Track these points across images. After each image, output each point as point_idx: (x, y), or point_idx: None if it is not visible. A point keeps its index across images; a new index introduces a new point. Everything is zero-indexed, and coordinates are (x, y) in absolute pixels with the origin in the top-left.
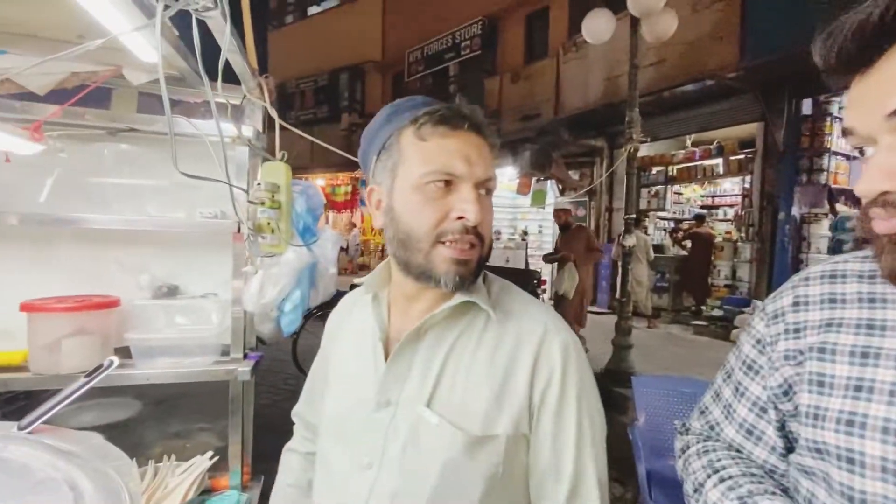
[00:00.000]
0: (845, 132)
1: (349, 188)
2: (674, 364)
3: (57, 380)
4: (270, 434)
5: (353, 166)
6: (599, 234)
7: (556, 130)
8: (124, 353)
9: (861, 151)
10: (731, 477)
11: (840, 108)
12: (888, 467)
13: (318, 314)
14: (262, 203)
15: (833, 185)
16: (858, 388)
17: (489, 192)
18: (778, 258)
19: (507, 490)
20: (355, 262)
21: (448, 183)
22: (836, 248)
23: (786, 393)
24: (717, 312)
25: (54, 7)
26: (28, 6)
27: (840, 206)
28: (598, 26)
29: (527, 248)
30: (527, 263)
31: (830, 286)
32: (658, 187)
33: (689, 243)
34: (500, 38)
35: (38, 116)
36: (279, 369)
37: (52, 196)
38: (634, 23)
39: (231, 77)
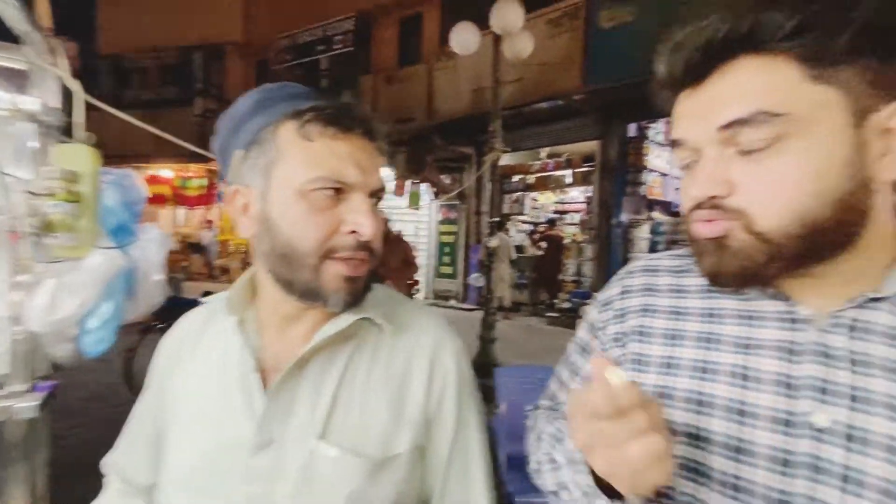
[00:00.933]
0: (674, 143)
1: (205, 182)
2: (533, 352)
3: None
4: (94, 478)
5: (209, 157)
6: (469, 236)
7: (430, 135)
8: None
9: (683, 164)
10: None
11: (657, 133)
12: (689, 431)
13: (160, 326)
14: (53, 195)
15: (650, 197)
16: (668, 365)
17: (380, 201)
18: (612, 257)
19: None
20: (213, 265)
21: (338, 191)
22: (652, 248)
23: None
24: (566, 305)
25: None
26: None
27: (655, 214)
28: (464, 39)
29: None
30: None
31: (648, 278)
32: (518, 194)
33: (544, 244)
34: (375, 38)
35: None
36: (107, 395)
37: None
38: (497, 40)
39: (6, 35)
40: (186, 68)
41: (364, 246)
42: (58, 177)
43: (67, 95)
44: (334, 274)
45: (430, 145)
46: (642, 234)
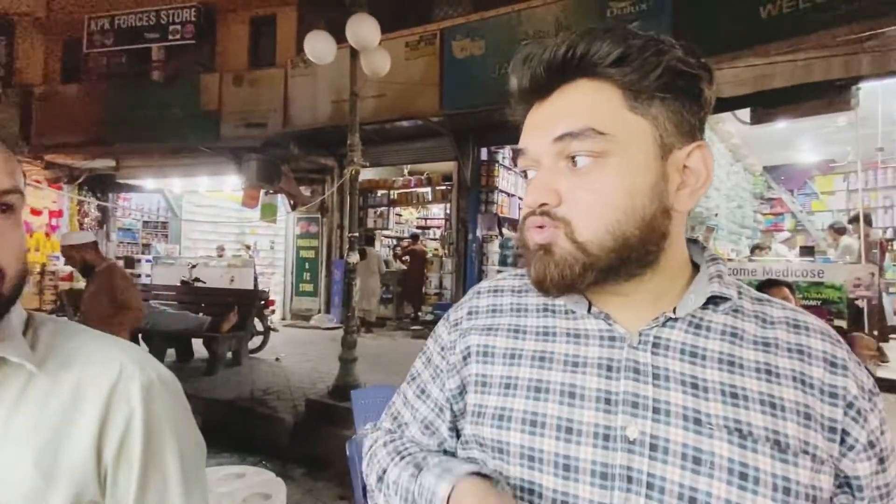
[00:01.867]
0: (518, 153)
1: None
2: (398, 368)
3: None
4: None
5: None
6: (332, 251)
7: (285, 143)
8: None
9: (525, 174)
10: (411, 454)
11: (504, 158)
12: (524, 453)
13: None
14: None
15: (500, 214)
16: (507, 386)
17: (8, 208)
18: (469, 269)
19: None
20: None
21: None
22: (503, 261)
23: (461, 393)
24: (429, 317)
25: None
26: None
27: (505, 230)
28: (320, 48)
29: (255, 266)
30: (256, 283)
31: (493, 298)
32: (382, 208)
33: (408, 258)
34: (221, 33)
35: None
36: None
37: None
38: (355, 54)
39: None
40: None
41: None
42: None
43: None
44: None
45: (287, 154)
46: (494, 248)
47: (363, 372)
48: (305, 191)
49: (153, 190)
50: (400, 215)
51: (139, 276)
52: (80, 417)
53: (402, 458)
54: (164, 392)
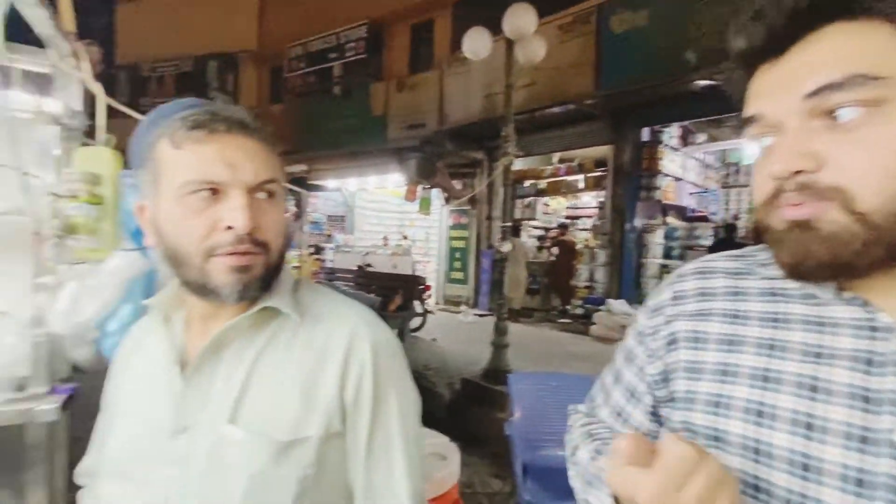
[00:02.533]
0: (749, 121)
1: None
2: (544, 359)
3: None
4: None
5: None
6: (480, 241)
7: (441, 141)
8: None
9: (757, 142)
10: (599, 438)
11: (670, 137)
12: (747, 444)
13: None
14: (76, 197)
15: (665, 201)
16: (724, 373)
17: (272, 194)
18: (625, 262)
19: (325, 490)
20: None
21: (215, 191)
22: (667, 253)
23: (664, 380)
24: (579, 311)
25: None
26: None
27: (670, 219)
28: (477, 44)
29: (412, 254)
30: (413, 270)
31: (702, 281)
32: (530, 199)
33: (556, 249)
34: (387, 45)
35: None
36: None
37: None
38: (510, 45)
39: (35, 39)
40: (201, 76)
41: (246, 239)
42: (80, 179)
43: (88, 99)
44: (220, 268)
45: (442, 151)
46: (656, 239)
47: (511, 358)
48: (457, 184)
49: (334, 189)
50: (548, 205)
51: (324, 261)
52: (328, 363)
53: (592, 440)
54: (388, 351)
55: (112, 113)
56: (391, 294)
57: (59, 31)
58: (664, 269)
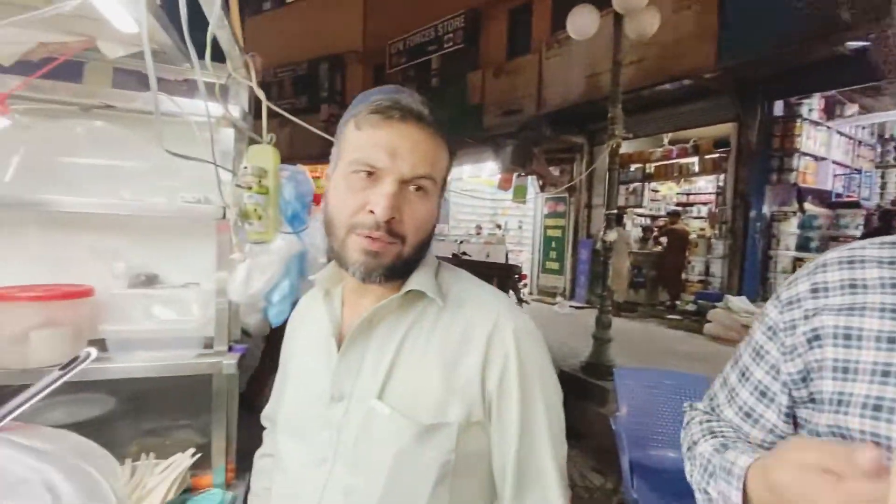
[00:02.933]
0: None
1: None
2: (650, 357)
3: (25, 375)
4: (258, 429)
5: None
6: (578, 230)
7: (538, 126)
8: (100, 345)
9: None
10: (723, 435)
11: (810, 111)
12: None
13: None
14: (250, 188)
15: (802, 185)
16: (886, 374)
17: (423, 189)
18: (749, 254)
19: (463, 479)
20: None
21: (371, 174)
22: (803, 244)
23: (804, 379)
24: (690, 307)
25: None
26: None
27: (808, 205)
28: (583, 22)
29: (506, 243)
30: (507, 259)
31: (849, 272)
32: (636, 184)
33: (664, 239)
34: (484, 32)
35: (3, 89)
36: None
37: (17, 176)
38: (618, 19)
39: (215, 54)
40: (314, 78)
41: (383, 227)
42: (251, 173)
43: (253, 103)
44: (355, 246)
45: (539, 136)
46: (789, 228)
47: (614, 353)
48: (554, 171)
49: None
50: (656, 191)
51: None
52: (469, 349)
53: (714, 436)
54: (531, 339)
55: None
56: (486, 282)
57: (236, 45)
58: (798, 263)
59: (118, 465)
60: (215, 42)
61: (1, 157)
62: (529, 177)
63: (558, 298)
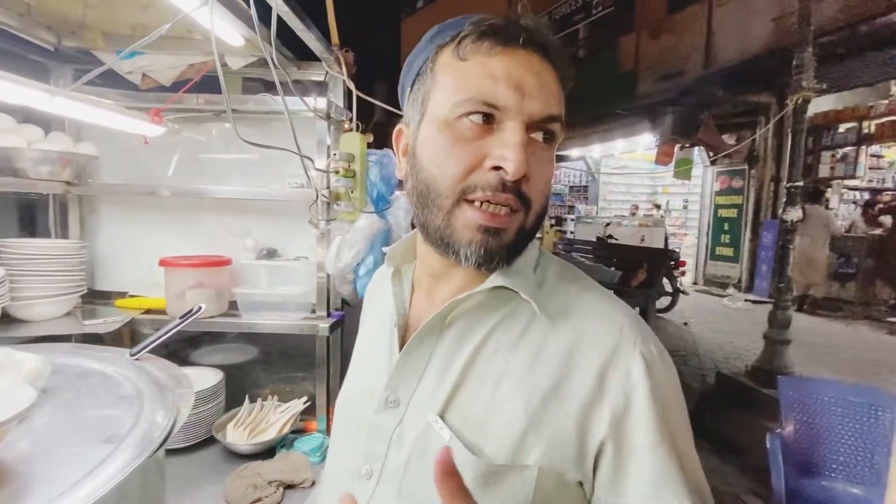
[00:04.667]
0: None
1: None
2: (854, 369)
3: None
4: None
5: None
6: (760, 210)
7: (706, 87)
8: (234, 305)
9: None
10: None
11: None
12: None
13: None
14: (338, 172)
15: None
16: None
17: (550, 138)
18: None
19: None
20: None
21: (489, 118)
22: None
23: None
24: None
25: (157, 8)
26: (147, 11)
27: None
28: None
29: (665, 226)
30: (666, 243)
31: None
32: (847, 149)
33: (888, 219)
34: None
35: (165, 104)
36: None
37: (176, 171)
38: None
39: (314, 55)
40: None
41: (510, 188)
42: (341, 159)
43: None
44: (468, 221)
45: (707, 99)
46: None
47: (795, 359)
48: (729, 139)
49: (577, 158)
50: (879, 157)
51: (565, 232)
52: (572, 377)
53: None
54: (665, 368)
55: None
56: (634, 268)
57: (328, 46)
58: None
59: (193, 396)
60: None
61: (163, 158)
62: (695, 148)
63: (730, 290)
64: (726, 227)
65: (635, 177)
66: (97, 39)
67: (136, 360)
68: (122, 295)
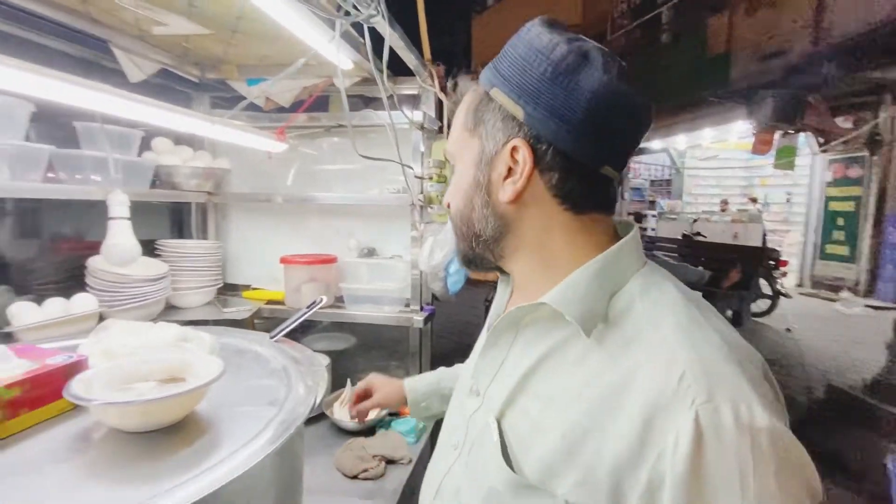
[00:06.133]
0: None
1: None
2: None
3: (298, 311)
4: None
5: None
6: (884, 202)
7: (815, 66)
8: (340, 298)
9: None
10: None
11: None
12: None
13: None
14: (431, 178)
15: None
16: None
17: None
18: None
19: None
20: None
21: None
22: None
23: None
24: None
25: (286, 42)
26: (274, 44)
27: None
28: None
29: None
30: (764, 241)
31: None
32: None
33: None
34: None
35: (283, 123)
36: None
37: (294, 181)
38: None
39: (408, 70)
40: None
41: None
42: (433, 166)
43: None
44: None
45: (816, 79)
46: None
47: None
48: (843, 123)
49: (659, 150)
50: None
51: (645, 229)
52: (612, 420)
53: None
54: (740, 447)
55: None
56: (725, 268)
57: (422, 61)
58: None
59: (326, 374)
60: (419, 56)
61: (283, 169)
62: (800, 134)
63: (844, 294)
64: (840, 222)
65: (727, 168)
66: (233, 71)
67: (276, 341)
68: (247, 288)
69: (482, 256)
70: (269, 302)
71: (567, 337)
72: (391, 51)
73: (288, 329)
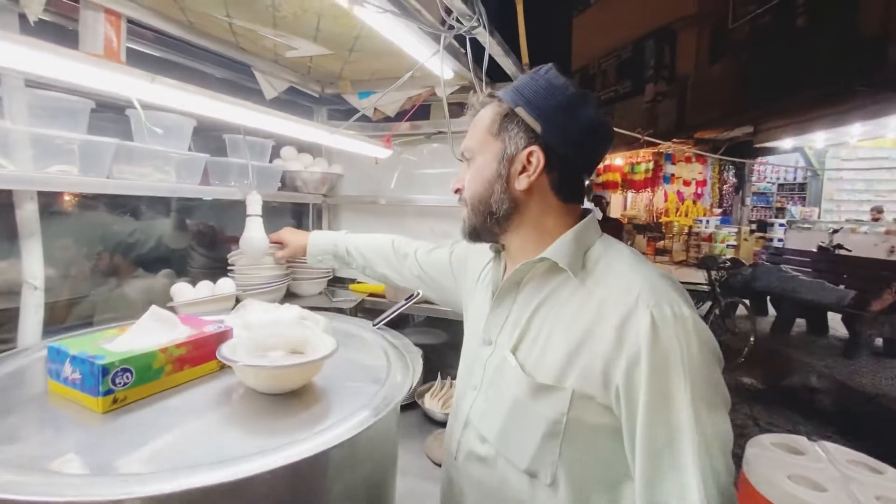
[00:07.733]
0: None
1: (650, 165)
2: None
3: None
4: None
5: (655, 142)
6: None
7: None
8: None
9: None
10: None
11: None
12: None
13: None
14: None
15: None
16: None
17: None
18: None
19: (579, 445)
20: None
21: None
22: None
23: None
24: None
25: (395, 56)
26: (384, 60)
27: None
28: None
29: None
30: None
31: None
32: None
33: None
34: None
35: (388, 132)
36: None
37: (397, 185)
38: None
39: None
40: (639, 59)
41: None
42: None
43: None
44: None
45: None
46: None
47: None
48: None
49: (790, 150)
50: None
51: (771, 239)
52: (597, 331)
53: None
54: (677, 330)
55: None
56: (876, 287)
57: (518, 65)
58: None
59: (420, 358)
60: (517, 62)
61: (388, 174)
62: None
63: None
64: None
65: (881, 170)
66: (347, 86)
67: (378, 329)
68: (353, 281)
69: (490, 230)
70: (371, 295)
71: (557, 286)
72: (489, 57)
73: (388, 318)
